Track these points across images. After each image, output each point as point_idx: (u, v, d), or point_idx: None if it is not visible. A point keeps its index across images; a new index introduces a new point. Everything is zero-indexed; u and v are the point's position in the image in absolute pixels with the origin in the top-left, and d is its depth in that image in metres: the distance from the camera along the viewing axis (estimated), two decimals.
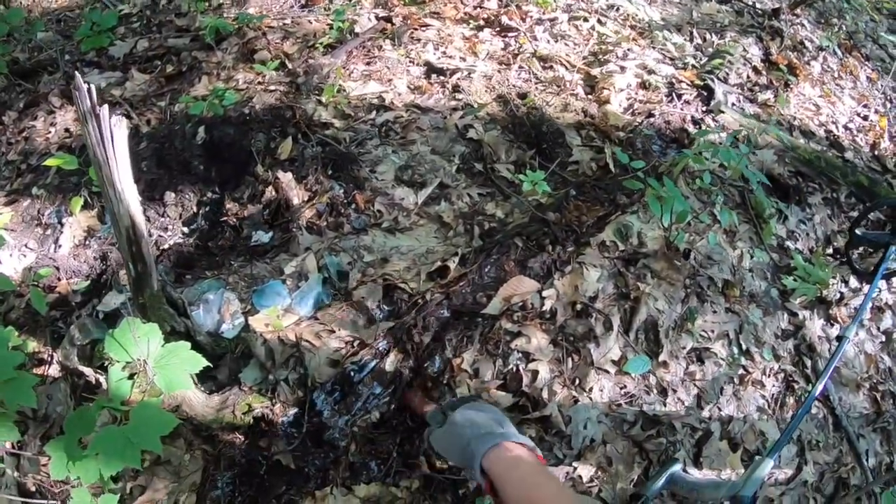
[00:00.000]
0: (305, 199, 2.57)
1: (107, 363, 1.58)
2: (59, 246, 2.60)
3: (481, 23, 3.61)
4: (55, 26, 4.07)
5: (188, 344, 1.60)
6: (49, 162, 2.38)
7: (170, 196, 2.70)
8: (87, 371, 1.87)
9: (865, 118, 3.94)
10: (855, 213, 3.20)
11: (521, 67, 3.28)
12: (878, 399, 2.72)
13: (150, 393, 1.56)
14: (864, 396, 2.71)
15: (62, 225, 2.68)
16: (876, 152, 3.71)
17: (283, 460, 1.91)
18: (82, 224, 2.67)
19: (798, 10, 4.54)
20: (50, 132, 3.19)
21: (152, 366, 1.51)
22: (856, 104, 4.01)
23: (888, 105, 4.17)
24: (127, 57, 3.62)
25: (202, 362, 1.59)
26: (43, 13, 4.22)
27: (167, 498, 1.88)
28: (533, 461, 1.24)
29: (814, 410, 2.56)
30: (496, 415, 1.42)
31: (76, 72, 1.55)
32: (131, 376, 1.52)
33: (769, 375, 2.50)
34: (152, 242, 2.58)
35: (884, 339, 2.92)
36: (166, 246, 2.61)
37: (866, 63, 4.50)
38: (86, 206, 2.69)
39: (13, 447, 1.96)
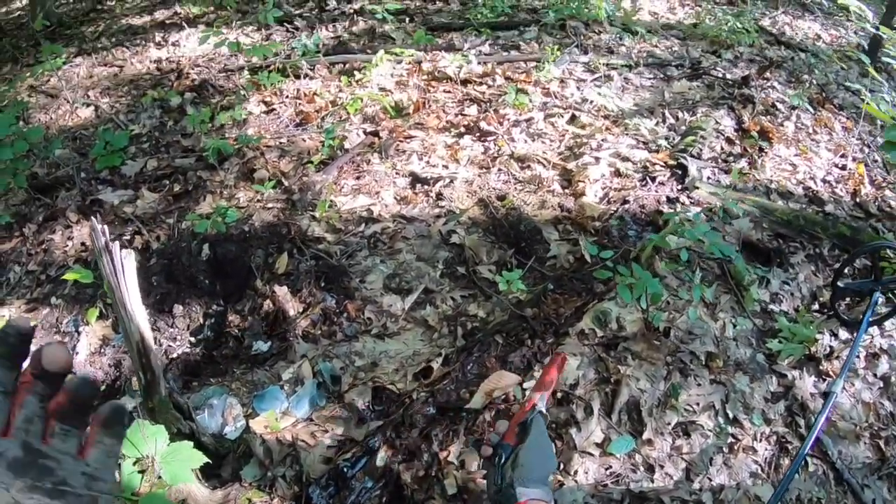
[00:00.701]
0: (300, 310, 2.82)
1: (119, 460, 1.82)
2: (77, 353, 2.86)
3: (462, 129, 3.90)
4: (72, 144, 4.41)
5: (191, 443, 1.84)
6: (67, 276, 2.64)
7: (178, 308, 2.98)
8: None
9: (843, 168, 4.05)
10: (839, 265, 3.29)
11: (499, 170, 3.53)
12: (882, 446, 2.73)
13: (157, 486, 1.78)
14: (866, 445, 2.73)
15: (79, 333, 2.94)
16: (857, 199, 3.81)
17: None
18: (98, 333, 2.93)
19: (767, 74, 4.75)
20: (67, 245, 3.48)
21: (159, 461, 1.74)
22: (833, 155, 4.14)
23: (866, 150, 4.29)
24: (138, 175, 3.94)
25: (202, 459, 1.82)
26: (60, 131, 4.57)
27: None
28: None
29: (811, 468, 2.61)
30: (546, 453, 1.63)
31: (91, 217, 1.85)
32: (141, 471, 1.75)
33: (760, 440, 2.57)
34: (162, 352, 2.85)
35: (882, 384, 2.94)
36: (175, 355, 2.87)
37: (840, 112, 4.65)
38: (101, 317, 2.95)
39: None
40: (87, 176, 4.03)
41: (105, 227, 1.77)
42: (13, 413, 0.60)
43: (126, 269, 1.79)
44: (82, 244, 3.50)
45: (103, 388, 2.74)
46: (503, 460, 1.69)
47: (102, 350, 2.91)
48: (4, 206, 3.93)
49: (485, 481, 2.13)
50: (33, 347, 0.60)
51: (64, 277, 2.69)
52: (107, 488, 0.64)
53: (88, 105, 4.81)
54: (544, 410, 1.88)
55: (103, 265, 1.77)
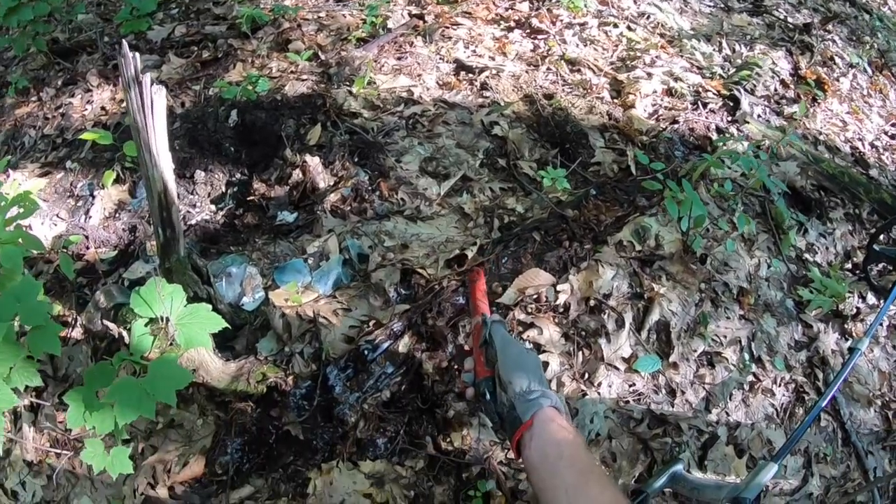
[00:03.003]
0: (331, 183, 2.63)
1: (129, 323, 1.65)
2: (90, 217, 2.68)
3: (512, 24, 3.65)
4: (95, 9, 4.17)
5: (209, 306, 1.67)
6: (85, 136, 2.46)
7: (200, 174, 2.78)
8: (112, 326, 1.93)
9: (893, 137, 3.91)
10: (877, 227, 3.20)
11: (548, 69, 3.31)
12: (890, 417, 2.70)
13: (169, 351, 1.63)
14: (876, 413, 2.70)
15: (93, 197, 2.76)
16: None
17: (292, 431, 1.95)
18: (113, 197, 2.75)
19: (829, 27, 4.53)
20: (86, 109, 3.28)
21: (174, 322, 1.57)
22: (884, 122, 3.99)
23: None
24: (164, 41, 3.70)
25: (221, 322, 1.66)
26: None
27: (177, 459, 1.93)
28: (577, 435, 1.38)
29: (823, 423, 2.56)
30: (536, 360, 1.63)
31: (123, 42, 1.62)
32: (153, 334, 1.58)
33: (780, 385, 2.50)
34: (181, 217, 2.66)
35: None
36: (194, 221, 2.68)
37: None
38: (118, 181, 2.77)
39: (33, 398, 2.03)
40: (110, 41, 3.80)
41: (137, 55, 1.53)
42: None
43: (155, 106, 1.56)
44: (102, 108, 3.29)
45: (116, 253, 2.56)
46: (489, 394, 1.59)
47: (117, 214, 2.72)
48: (22, 71, 3.74)
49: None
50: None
51: (82, 137, 2.50)
52: None
53: None
54: (496, 317, 1.79)
55: (130, 100, 1.54)
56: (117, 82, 3.35)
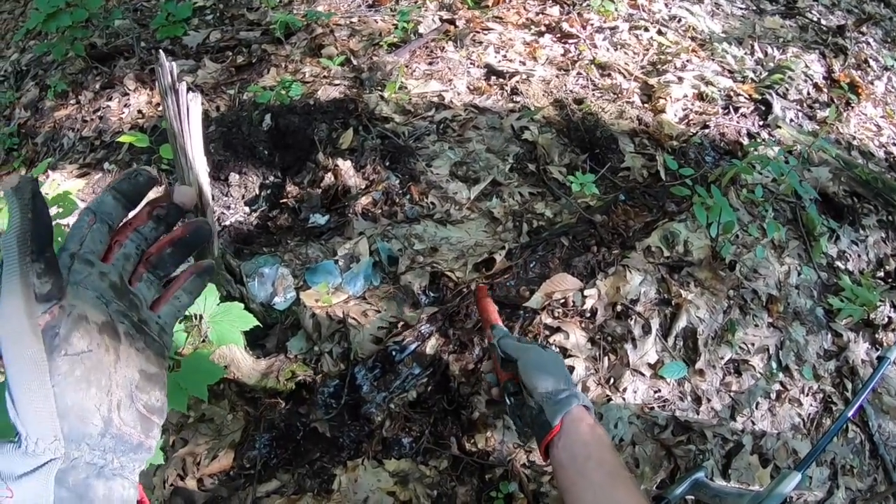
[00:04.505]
0: (362, 187, 2.67)
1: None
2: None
3: (542, 28, 3.66)
4: (132, 15, 4.28)
5: (241, 304, 1.72)
6: (122, 138, 2.54)
7: (234, 177, 2.84)
8: None
9: None
10: None
11: (579, 74, 3.31)
12: None
13: (202, 348, 1.68)
14: None
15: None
16: None
17: (319, 428, 2.00)
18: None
19: (863, 28, 4.45)
20: (124, 112, 3.37)
21: (207, 320, 1.63)
22: None
23: None
24: (200, 47, 3.79)
25: (252, 321, 1.72)
26: (120, 1, 4.44)
27: (206, 452, 1.98)
28: (606, 436, 1.38)
29: (850, 435, 2.54)
30: (562, 363, 1.59)
31: (160, 50, 1.68)
32: (186, 331, 1.64)
33: (807, 394, 2.49)
34: (215, 217, 2.72)
35: None
36: (228, 222, 2.75)
37: None
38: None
39: None
40: (146, 46, 3.91)
41: (174, 64, 1.59)
42: (112, 248, 0.65)
43: (191, 112, 1.61)
44: (139, 112, 3.38)
45: None
46: (512, 398, 1.60)
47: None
48: (61, 75, 3.84)
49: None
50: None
51: (119, 140, 2.57)
52: (170, 344, 0.70)
53: None
54: (500, 331, 1.81)
55: (167, 107, 1.59)
56: (154, 86, 3.44)
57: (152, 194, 0.75)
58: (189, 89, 1.60)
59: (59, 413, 0.53)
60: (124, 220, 0.67)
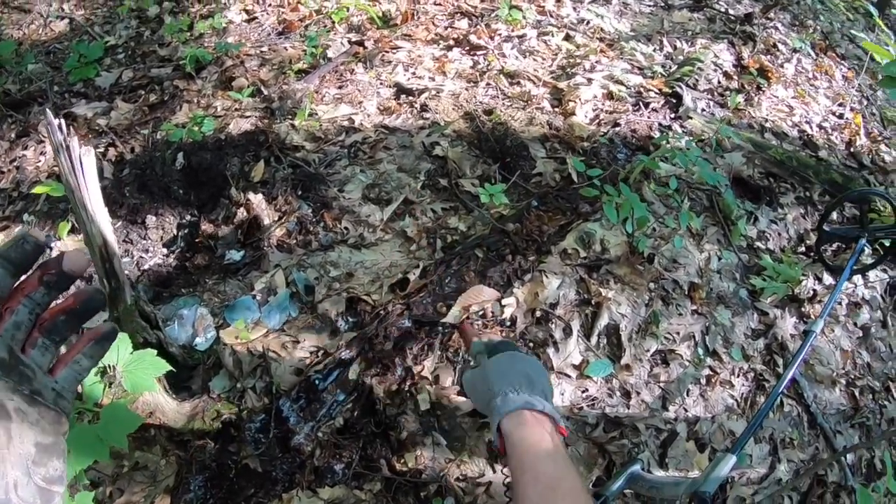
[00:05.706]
0: (276, 218, 2.65)
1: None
2: None
3: (451, 43, 3.69)
4: (45, 58, 4.19)
5: (154, 351, 1.71)
6: (37, 189, 2.50)
7: (151, 219, 2.80)
8: None
9: (841, 116, 3.96)
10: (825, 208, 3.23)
11: (488, 84, 3.35)
12: (856, 395, 2.72)
13: (121, 397, 1.67)
14: (841, 392, 2.72)
15: (51, 249, 2.76)
16: (852, 149, 3.74)
17: (251, 464, 1.97)
18: (69, 247, 2.77)
19: (771, 14, 4.59)
20: (40, 161, 3.31)
21: (121, 370, 1.61)
22: (831, 103, 4.04)
23: (864, 102, 4.20)
24: (112, 87, 3.75)
25: (165, 366, 1.70)
26: (33, 45, 4.35)
27: (143, 500, 1.94)
28: (547, 443, 1.26)
29: (787, 408, 2.58)
30: (532, 369, 1.44)
31: (46, 109, 1.66)
32: (108, 383, 1.62)
33: (738, 375, 2.52)
34: (134, 263, 2.70)
35: (861, 334, 2.93)
36: (147, 266, 2.71)
37: (842, 62, 4.53)
38: (72, 231, 2.79)
39: None
40: (60, 89, 3.83)
41: (62, 121, 1.57)
42: (3, 316, 0.62)
43: (86, 167, 1.61)
44: (55, 159, 3.29)
45: None
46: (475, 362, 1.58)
47: None
48: None
49: (460, 398, 2.05)
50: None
51: (34, 191, 2.53)
52: (69, 408, 0.68)
53: (63, 18, 4.51)
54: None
55: (61, 164, 1.59)
56: (68, 131, 3.38)
57: (70, 242, 0.73)
58: (81, 144, 1.59)
59: None
60: (14, 286, 0.64)
